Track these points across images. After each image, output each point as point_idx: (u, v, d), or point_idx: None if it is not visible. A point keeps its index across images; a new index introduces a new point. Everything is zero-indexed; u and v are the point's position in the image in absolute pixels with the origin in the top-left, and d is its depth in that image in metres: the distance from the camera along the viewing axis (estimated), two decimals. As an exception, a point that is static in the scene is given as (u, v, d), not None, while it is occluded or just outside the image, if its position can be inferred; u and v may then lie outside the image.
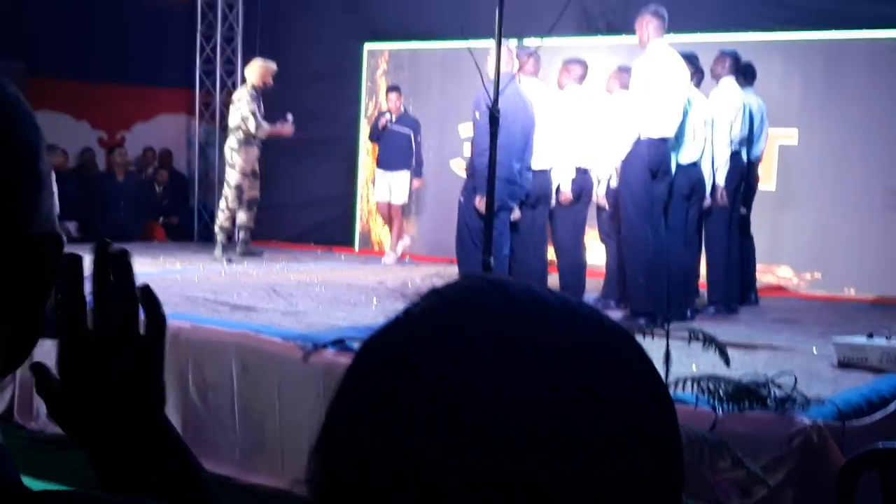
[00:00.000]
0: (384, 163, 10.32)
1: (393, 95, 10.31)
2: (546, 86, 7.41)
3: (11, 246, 0.75)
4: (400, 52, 11.62)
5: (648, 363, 0.66)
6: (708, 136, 7.21)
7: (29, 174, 0.76)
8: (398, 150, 10.21)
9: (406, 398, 0.60)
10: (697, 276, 7.39)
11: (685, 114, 6.77)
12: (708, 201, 7.36)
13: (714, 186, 7.38)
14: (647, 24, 6.55)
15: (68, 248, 0.85)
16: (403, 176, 10.25)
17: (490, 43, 6.05)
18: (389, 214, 10.39)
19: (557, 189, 7.26)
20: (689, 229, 7.13)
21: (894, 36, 9.00)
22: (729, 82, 7.54)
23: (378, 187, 10.41)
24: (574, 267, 7.32)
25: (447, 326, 0.63)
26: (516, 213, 6.70)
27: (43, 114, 10.12)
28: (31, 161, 0.77)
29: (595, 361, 0.62)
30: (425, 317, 0.65)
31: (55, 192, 0.81)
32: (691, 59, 7.10)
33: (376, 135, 10.34)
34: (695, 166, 7.07)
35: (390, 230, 10.54)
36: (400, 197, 10.31)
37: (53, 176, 0.81)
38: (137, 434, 0.92)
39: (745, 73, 7.91)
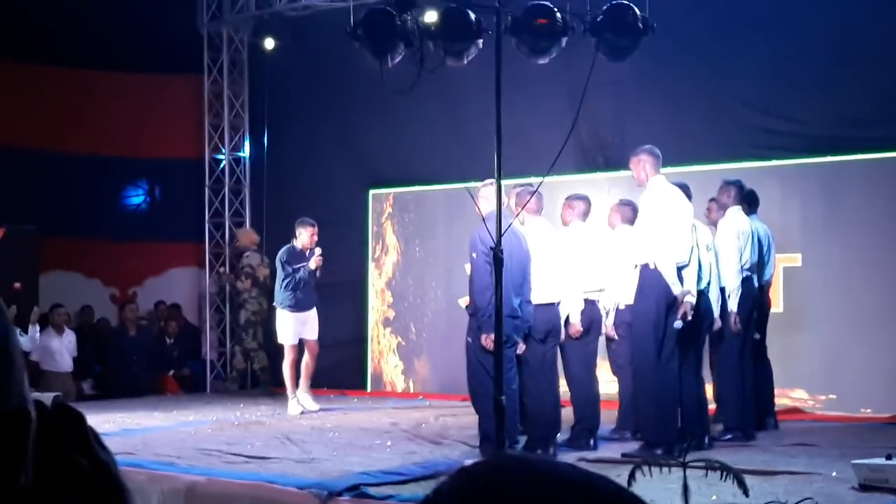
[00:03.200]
0: (303, 304, 9.48)
1: (312, 229, 9.55)
2: (549, 223, 7.54)
3: None
4: (404, 195, 11.84)
5: None
6: (712, 262, 7.30)
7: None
8: (311, 287, 9.57)
9: None
10: (706, 403, 7.35)
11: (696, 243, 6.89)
12: (717, 325, 7.39)
13: (726, 313, 7.43)
14: (644, 164, 6.74)
15: (83, 406, 0.88)
16: (314, 312, 9.62)
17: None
18: (299, 353, 9.51)
19: (566, 322, 7.30)
20: (698, 357, 7.14)
21: (885, 157, 9.17)
22: (735, 211, 7.68)
23: (296, 329, 9.45)
24: (588, 399, 7.30)
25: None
26: (521, 347, 6.74)
27: (55, 273, 10.32)
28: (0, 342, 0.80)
29: None
30: (454, 497, 0.67)
31: (24, 370, 0.83)
32: (682, 188, 7.26)
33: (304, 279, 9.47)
34: (702, 294, 7.12)
35: (301, 370, 9.50)
36: (315, 332, 9.60)
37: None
38: None
39: (748, 201, 8.06)
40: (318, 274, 9.49)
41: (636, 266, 6.75)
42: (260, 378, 11.49)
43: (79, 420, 0.91)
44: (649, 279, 6.59)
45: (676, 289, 6.51)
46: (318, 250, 9.47)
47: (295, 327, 9.44)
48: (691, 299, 6.60)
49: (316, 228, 9.58)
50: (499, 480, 0.66)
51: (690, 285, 6.66)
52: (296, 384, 9.45)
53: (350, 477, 5.50)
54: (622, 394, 7.80)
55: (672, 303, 6.56)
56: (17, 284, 10.35)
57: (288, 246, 9.77)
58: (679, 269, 6.62)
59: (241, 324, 11.42)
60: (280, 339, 9.60)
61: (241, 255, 11.46)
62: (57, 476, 0.87)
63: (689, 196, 7.34)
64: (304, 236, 9.51)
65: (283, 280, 9.44)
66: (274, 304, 9.76)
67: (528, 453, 0.68)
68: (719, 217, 7.78)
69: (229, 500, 5.49)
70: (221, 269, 12.14)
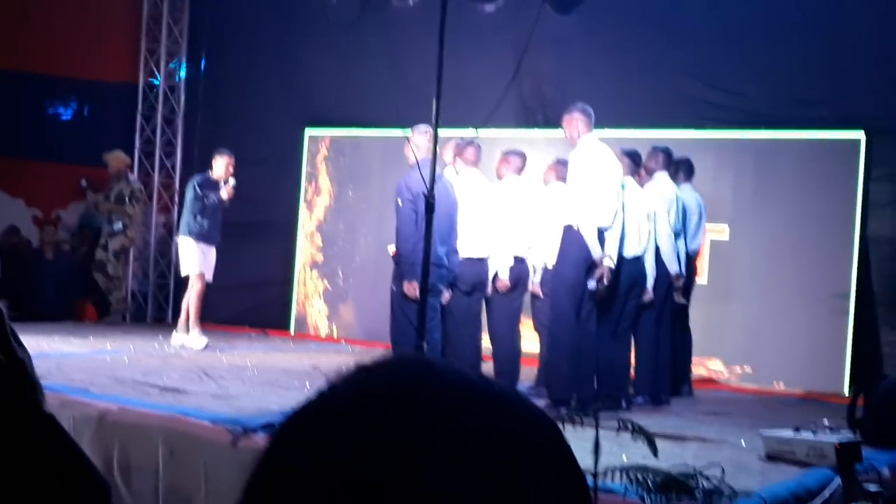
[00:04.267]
0: (208, 236, 9.27)
1: (228, 160, 9.36)
2: (485, 176, 7.51)
3: None
4: (341, 139, 11.72)
5: (568, 451, 0.66)
6: (651, 229, 7.35)
7: None
8: (218, 222, 9.37)
9: (323, 475, 0.60)
10: (629, 367, 7.44)
11: (624, 207, 6.90)
12: (649, 295, 7.45)
13: (665, 278, 7.51)
14: (577, 122, 6.73)
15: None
16: (214, 252, 9.41)
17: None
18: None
19: (494, 277, 7.31)
20: (624, 321, 7.20)
21: (821, 137, 9.29)
22: (662, 177, 7.74)
23: (200, 259, 9.22)
24: (509, 355, 7.35)
25: (369, 401, 0.63)
26: (446, 296, 6.74)
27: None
28: None
29: (512, 442, 0.62)
30: (348, 391, 0.65)
31: None
32: (632, 156, 7.28)
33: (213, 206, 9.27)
34: (637, 260, 7.18)
35: (194, 306, 9.29)
36: (210, 272, 9.37)
37: None
38: None
39: (683, 169, 8.13)
40: (227, 204, 9.30)
41: (561, 226, 6.76)
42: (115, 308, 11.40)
43: None
44: (571, 240, 6.61)
45: (596, 252, 6.53)
46: (231, 181, 9.30)
47: (199, 257, 9.18)
48: (610, 263, 6.62)
49: (232, 160, 9.39)
50: (398, 382, 0.64)
51: (612, 249, 6.67)
52: (199, 316, 9.22)
53: (266, 415, 5.46)
54: (542, 351, 7.86)
55: (592, 265, 6.57)
56: None
57: (202, 174, 9.62)
58: (601, 232, 6.62)
59: (114, 250, 11.20)
60: (185, 270, 9.35)
61: (114, 179, 11.23)
62: None
63: (637, 164, 7.37)
64: (220, 166, 9.33)
65: (191, 206, 9.20)
66: (178, 233, 9.51)
67: (433, 357, 0.66)
68: (551, 179, 7.78)
69: (141, 430, 5.42)
70: (94, 195, 11.53)
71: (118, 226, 11.13)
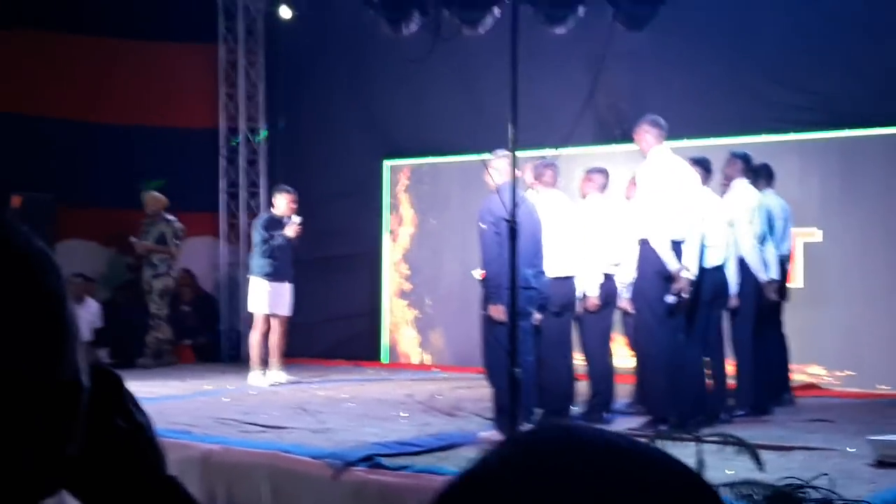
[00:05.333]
0: (279, 274, 9.29)
1: (289, 196, 9.47)
2: (566, 195, 7.49)
3: (38, 392, 0.77)
4: (420, 167, 11.81)
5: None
6: (730, 238, 7.25)
7: (55, 323, 0.79)
8: (289, 259, 9.41)
9: None
10: (725, 379, 7.32)
11: (703, 217, 6.81)
12: (733, 302, 7.35)
13: (754, 286, 7.39)
14: (646, 134, 6.66)
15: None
16: (288, 287, 9.42)
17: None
18: (270, 327, 9.37)
19: (583, 296, 7.27)
20: (712, 332, 7.10)
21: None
22: (742, 184, 7.61)
23: (270, 300, 9.26)
24: (603, 373, 7.29)
25: (526, 476, 0.62)
26: (537, 317, 6.71)
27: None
28: (56, 310, 0.79)
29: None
30: (503, 466, 0.64)
31: (78, 338, 0.83)
32: (702, 163, 7.18)
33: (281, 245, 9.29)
34: (718, 270, 7.07)
35: (271, 348, 9.37)
36: (287, 307, 9.42)
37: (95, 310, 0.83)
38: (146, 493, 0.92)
39: (763, 174, 7.99)
40: (295, 241, 9.34)
41: (638, 241, 6.70)
42: (160, 349, 11.17)
43: (118, 383, 0.92)
44: (646, 255, 6.53)
45: (671, 264, 6.44)
46: (296, 218, 9.33)
47: (269, 297, 9.24)
48: (688, 275, 6.52)
49: (294, 196, 9.45)
50: (551, 454, 0.64)
51: (690, 261, 6.57)
52: (263, 358, 9.29)
53: (365, 447, 5.51)
54: (638, 369, 7.78)
55: (670, 278, 6.48)
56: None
57: (266, 214, 9.74)
58: (676, 245, 6.52)
59: (158, 290, 11.08)
60: (251, 308, 9.45)
61: (148, 220, 11.17)
62: (99, 439, 0.88)
63: (708, 171, 7.27)
64: (282, 204, 9.40)
65: (259, 247, 9.28)
66: (248, 273, 9.56)
67: (576, 424, 0.67)
68: (633, 194, 7.67)
69: (245, 469, 5.51)
70: (133, 239, 11.21)
71: (162, 267, 11.10)
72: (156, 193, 11.21)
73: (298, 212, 9.54)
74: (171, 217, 11.18)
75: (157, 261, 11.07)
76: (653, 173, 6.60)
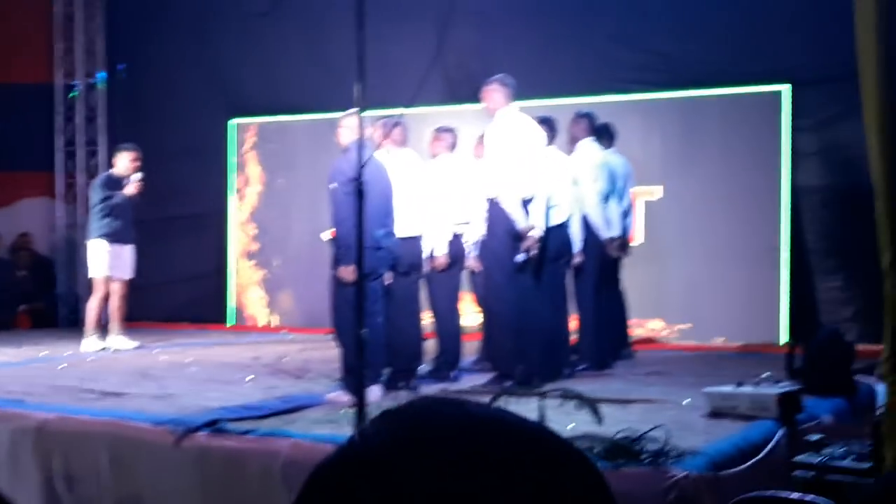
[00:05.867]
0: (120, 236, 8.96)
1: (131, 155, 9.09)
2: (415, 154, 7.46)
3: None
4: (268, 125, 11.59)
5: (601, 484, 0.68)
6: (574, 196, 7.36)
7: None
8: (129, 220, 9.07)
9: None
10: (569, 335, 7.48)
11: (546, 176, 6.88)
12: (577, 259, 7.50)
13: (597, 244, 7.55)
14: (495, 94, 6.67)
15: None
16: (130, 249, 9.12)
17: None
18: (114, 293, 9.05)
19: (430, 255, 7.28)
20: (558, 290, 7.22)
21: (745, 91, 9.39)
22: (587, 143, 7.74)
23: (110, 262, 8.94)
24: (451, 332, 7.33)
25: (397, 450, 0.63)
26: (388, 278, 6.69)
27: None
28: None
29: (543, 479, 0.63)
30: (376, 439, 0.64)
31: None
32: (548, 122, 7.27)
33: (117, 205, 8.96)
34: (562, 228, 7.18)
35: (111, 314, 9.09)
36: (128, 271, 9.13)
37: None
38: None
39: (605, 134, 8.13)
40: (136, 199, 8.99)
41: (487, 200, 6.75)
42: None
43: None
44: (495, 214, 6.58)
45: (520, 223, 6.51)
46: (137, 175, 8.98)
47: (109, 259, 8.89)
48: (536, 233, 6.61)
49: (137, 154, 9.07)
50: (428, 424, 0.65)
51: (537, 219, 6.66)
52: (101, 323, 8.98)
53: (209, 412, 5.39)
54: (484, 326, 7.86)
55: (518, 236, 6.56)
56: None
57: (105, 172, 9.41)
58: (525, 203, 6.60)
59: None
60: (91, 273, 9.10)
61: None
62: None
63: (553, 130, 7.36)
64: (124, 161, 9.04)
65: (97, 207, 8.91)
66: (87, 236, 9.15)
67: (450, 398, 0.69)
68: (481, 153, 7.79)
69: (83, 438, 5.32)
70: None
71: None
72: None
73: (141, 171, 9.21)
74: None
75: None
76: (501, 133, 6.63)
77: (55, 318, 11.82)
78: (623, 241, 8.03)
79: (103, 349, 8.82)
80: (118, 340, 9.00)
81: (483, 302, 7.59)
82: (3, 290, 11.41)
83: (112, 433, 5.24)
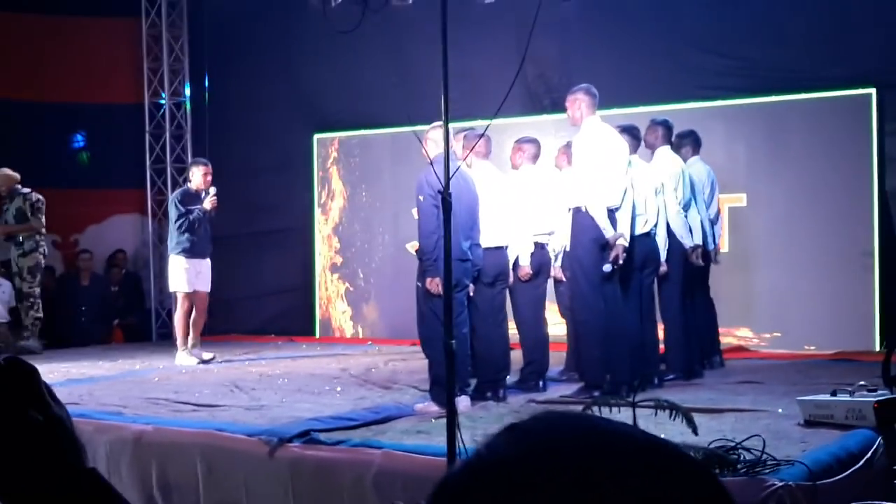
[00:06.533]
0: (198, 250, 9.06)
1: (204, 168, 9.16)
2: (497, 166, 7.49)
3: None
4: (350, 140, 11.73)
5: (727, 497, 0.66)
6: (660, 205, 7.32)
7: None
8: (207, 234, 9.17)
9: None
10: (658, 344, 7.43)
11: (632, 185, 6.86)
12: (664, 268, 7.45)
13: (672, 254, 7.48)
14: (580, 103, 6.66)
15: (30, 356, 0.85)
16: (208, 263, 9.22)
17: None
18: (195, 306, 9.14)
19: (515, 265, 7.29)
20: (645, 299, 7.18)
21: (831, 96, 9.23)
22: (664, 151, 7.68)
23: (190, 277, 9.03)
24: (537, 342, 7.33)
25: (531, 464, 0.62)
26: (471, 289, 6.72)
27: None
28: None
29: (685, 498, 0.62)
30: (507, 453, 0.64)
31: None
32: (632, 131, 7.24)
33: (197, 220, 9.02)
34: (648, 236, 7.15)
35: (194, 324, 9.16)
36: (207, 284, 9.20)
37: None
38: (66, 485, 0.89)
39: (690, 141, 8.07)
40: (212, 214, 9.08)
41: (569, 210, 6.74)
42: (31, 329, 10.13)
43: (31, 375, 0.89)
44: (581, 223, 6.57)
45: (608, 232, 6.49)
46: (212, 190, 9.07)
47: (188, 275, 8.99)
48: (623, 242, 6.59)
49: (209, 168, 9.15)
50: (556, 438, 0.64)
51: (624, 228, 6.64)
52: (186, 336, 9.07)
53: (300, 423, 5.47)
54: (570, 336, 7.84)
55: (605, 246, 6.54)
56: None
57: (181, 188, 9.57)
58: (611, 212, 6.58)
59: (29, 267, 9.99)
60: (173, 287, 9.24)
61: (12, 197, 10.08)
62: (10, 432, 0.86)
63: (637, 139, 7.32)
64: (198, 176, 9.12)
65: (175, 222, 8.99)
66: (168, 252, 9.24)
67: (574, 412, 0.67)
68: (563, 163, 7.75)
69: (177, 449, 5.44)
70: None
71: (29, 244, 10.03)
72: (5, 170, 10.08)
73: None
74: (26, 190, 10.09)
75: (23, 239, 10.06)
76: (587, 142, 6.63)
77: (148, 332, 12.09)
78: (707, 250, 7.95)
79: (201, 362, 8.97)
80: (182, 357, 9.03)
81: (570, 311, 7.58)
82: (99, 306, 11.72)
83: (207, 444, 5.35)
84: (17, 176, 10.10)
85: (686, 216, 7.66)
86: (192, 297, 9.05)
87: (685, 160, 7.91)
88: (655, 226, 7.24)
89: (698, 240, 7.72)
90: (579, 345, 7.05)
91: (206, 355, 9.11)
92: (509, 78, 5.81)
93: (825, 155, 9.22)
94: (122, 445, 5.56)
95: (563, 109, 9.99)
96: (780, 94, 9.39)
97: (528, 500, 0.60)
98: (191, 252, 8.97)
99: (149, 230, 12.38)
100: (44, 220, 10.06)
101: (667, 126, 7.76)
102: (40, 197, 10.12)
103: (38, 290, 10.04)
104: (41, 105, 11.93)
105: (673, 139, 7.85)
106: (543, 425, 0.66)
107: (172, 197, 9.41)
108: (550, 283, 7.84)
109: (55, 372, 8.02)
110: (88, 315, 11.58)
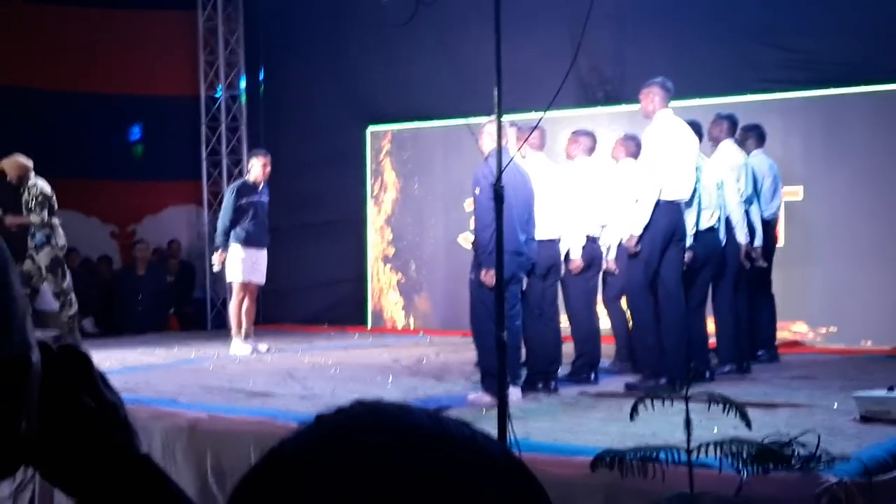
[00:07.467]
0: (255, 240, 9.10)
1: (263, 160, 9.18)
2: (551, 159, 7.47)
3: None
4: (402, 132, 11.76)
5: (530, 483, 0.66)
6: (720, 199, 7.28)
7: None
8: (265, 225, 9.22)
9: None
10: (708, 337, 7.38)
11: (698, 180, 6.84)
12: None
13: (737, 246, 7.44)
14: (654, 96, 6.65)
15: (87, 343, 0.87)
16: (265, 254, 9.25)
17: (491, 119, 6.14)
18: (247, 296, 9.19)
19: (567, 258, 7.28)
20: (699, 293, 7.15)
21: (892, 89, 9.08)
22: (728, 144, 7.62)
23: (245, 267, 9.07)
24: (588, 334, 7.31)
25: (325, 458, 0.63)
26: (524, 283, 6.72)
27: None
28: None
29: (466, 488, 0.62)
30: (303, 447, 0.66)
31: (26, 313, 0.80)
32: (694, 126, 7.19)
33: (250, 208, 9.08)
34: (712, 231, 7.12)
35: (247, 313, 9.22)
36: (262, 275, 9.26)
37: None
38: (116, 469, 0.90)
39: (754, 135, 8.02)
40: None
41: (637, 201, 6.71)
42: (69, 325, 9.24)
43: (85, 361, 0.89)
44: (652, 215, 6.57)
45: (639, 227, 6.54)
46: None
47: (244, 265, 9.03)
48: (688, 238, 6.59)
49: (268, 159, 9.17)
50: (346, 429, 0.65)
51: (689, 222, 6.63)
52: (240, 325, 9.12)
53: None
54: (615, 327, 7.83)
55: (669, 238, 6.52)
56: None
57: (240, 179, 9.61)
58: (679, 205, 6.58)
59: (46, 266, 8.97)
60: (229, 277, 9.27)
61: (18, 188, 9.05)
62: (64, 418, 0.86)
63: (699, 134, 7.28)
64: (257, 168, 9.14)
65: (233, 213, 9.00)
66: (217, 243, 9.26)
67: (384, 402, 0.67)
68: (621, 155, 7.71)
69: (232, 437, 5.50)
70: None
71: (39, 238, 9.07)
72: (17, 157, 9.00)
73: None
74: (34, 181, 9.06)
75: (34, 231, 9.12)
76: (659, 134, 6.61)
77: (203, 321, 12.24)
78: (764, 248, 7.87)
79: (255, 352, 9.06)
80: (236, 345, 9.10)
81: (613, 302, 7.60)
82: (155, 295, 11.90)
83: (261, 432, 5.40)
84: (29, 163, 9.08)
85: (749, 212, 7.61)
86: (246, 287, 9.12)
87: (748, 153, 7.86)
88: (718, 221, 7.21)
89: (758, 239, 7.67)
90: (635, 335, 7.05)
91: (262, 346, 9.18)
92: (563, 70, 5.80)
93: (884, 149, 9.08)
94: (177, 433, 5.64)
95: (616, 101, 10.01)
96: (840, 87, 9.26)
97: (311, 491, 0.61)
98: (246, 242, 9.02)
99: (204, 221, 12.52)
100: (46, 213, 9.01)
101: (732, 120, 7.72)
102: (45, 189, 9.05)
103: (66, 284, 9.08)
104: (98, 97, 12.11)
105: (737, 133, 7.80)
106: (343, 416, 0.66)
107: (231, 188, 9.49)
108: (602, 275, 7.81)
109: (111, 359, 8.15)
110: (144, 304, 11.76)
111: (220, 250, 9.05)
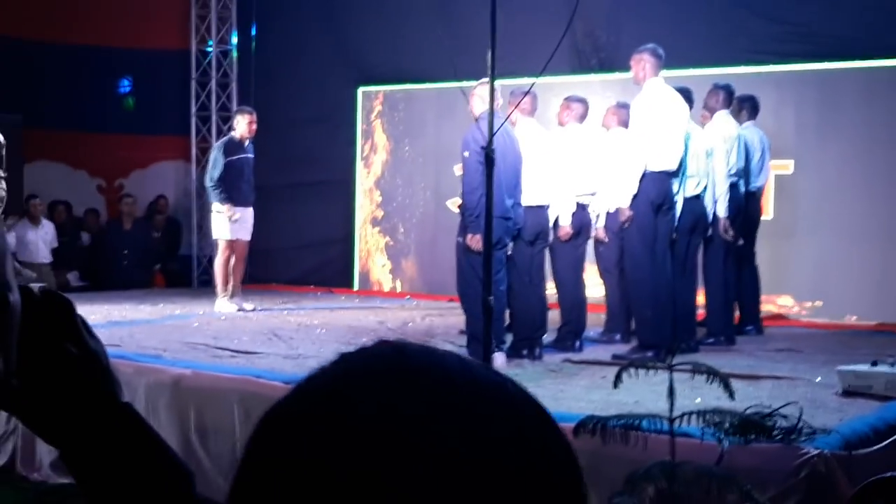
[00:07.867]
0: (241, 199, 9.09)
1: (249, 117, 9.10)
2: (542, 124, 7.44)
3: None
4: (394, 94, 11.69)
5: (553, 429, 0.65)
6: (709, 168, 7.26)
7: None
8: (251, 183, 9.20)
9: (304, 467, 0.60)
10: (696, 308, 7.40)
11: (686, 148, 6.81)
12: (710, 232, 7.40)
13: (715, 217, 7.42)
14: (645, 63, 6.61)
15: (72, 297, 0.85)
16: (251, 212, 9.26)
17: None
18: (234, 254, 9.18)
19: (555, 225, 7.27)
20: (689, 262, 7.16)
21: (887, 65, 9.06)
22: (723, 115, 7.60)
23: (231, 224, 9.05)
24: (575, 303, 7.32)
25: (345, 392, 0.62)
26: (510, 247, 6.72)
27: (41, 164, 10.15)
28: None
29: (494, 430, 0.61)
30: (327, 381, 0.64)
31: (6, 256, 0.79)
32: (685, 93, 7.16)
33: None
34: (698, 199, 7.11)
35: (234, 271, 9.25)
36: (248, 232, 9.25)
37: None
38: (99, 416, 0.89)
39: (748, 106, 7.99)
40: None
41: (624, 170, 6.70)
42: None
43: (68, 308, 0.88)
44: (640, 182, 6.55)
45: (626, 198, 6.56)
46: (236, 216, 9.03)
47: (231, 222, 9.01)
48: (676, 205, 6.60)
49: (254, 116, 9.09)
50: (372, 376, 0.64)
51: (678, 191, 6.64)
52: (227, 283, 9.11)
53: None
54: (609, 297, 7.82)
55: (660, 206, 6.52)
56: None
57: (226, 136, 9.55)
58: (668, 175, 6.56)
59: None
60: (215, 234, 9.23)
61: None
62: (46, 363, 0.85)
63: (690, 101, 7.24)
64: (242, 125, 9.07)
65: (220, 170, 8.93)
66: (210, 199, 9.24)
67: (409, 343, 0.66)
68: (612, 123, 7.69)
69: (215, 394, 5.50)
70: None
71: None
72: None
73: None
74: None
75: None
76: (648, 103, 6.58)
77: (189, 278, 12.22)
78: (744, 220, 7.85)
79: (240, 310, 9.03)
80: (222, 303, 9.08)
81: (609, 272, 7.59)
82: (141, 251, 11.85)
83: (245, 390, 5.40)
84: None
85: (738, 183, 7.59)
86: (232, 244, 9.09)
87: (740, 124, 7.84)
88: (704, 189, 7.19)
89: (727, 212, 7.62)
90: (631, 305, 7.06)
91: (248, 305, 9.17)
92: (557, 36, 5.75)
93: (876, 125, 9.06)
94: (160, 388, 5.64)
95: (610, 69, 9.95)
96: (835, 61, 9.22)
97: (344, 425, 0.60)
98: (234, 200, 8.98)
99: (192, 177, 12.45)
100: None
101: (728, 91, 7.70)
102: None
103: None
104: (88, 49, 11.99)
105: (732, 104, 7.78)
106: (376, 354, 0.66)
107: (217, 145, 9.43)
108: (590, 243, 7.80)
109: (96, 313, 8.13)
110: (130, 259, 11.72)
111: (226, 205, 8.97)
